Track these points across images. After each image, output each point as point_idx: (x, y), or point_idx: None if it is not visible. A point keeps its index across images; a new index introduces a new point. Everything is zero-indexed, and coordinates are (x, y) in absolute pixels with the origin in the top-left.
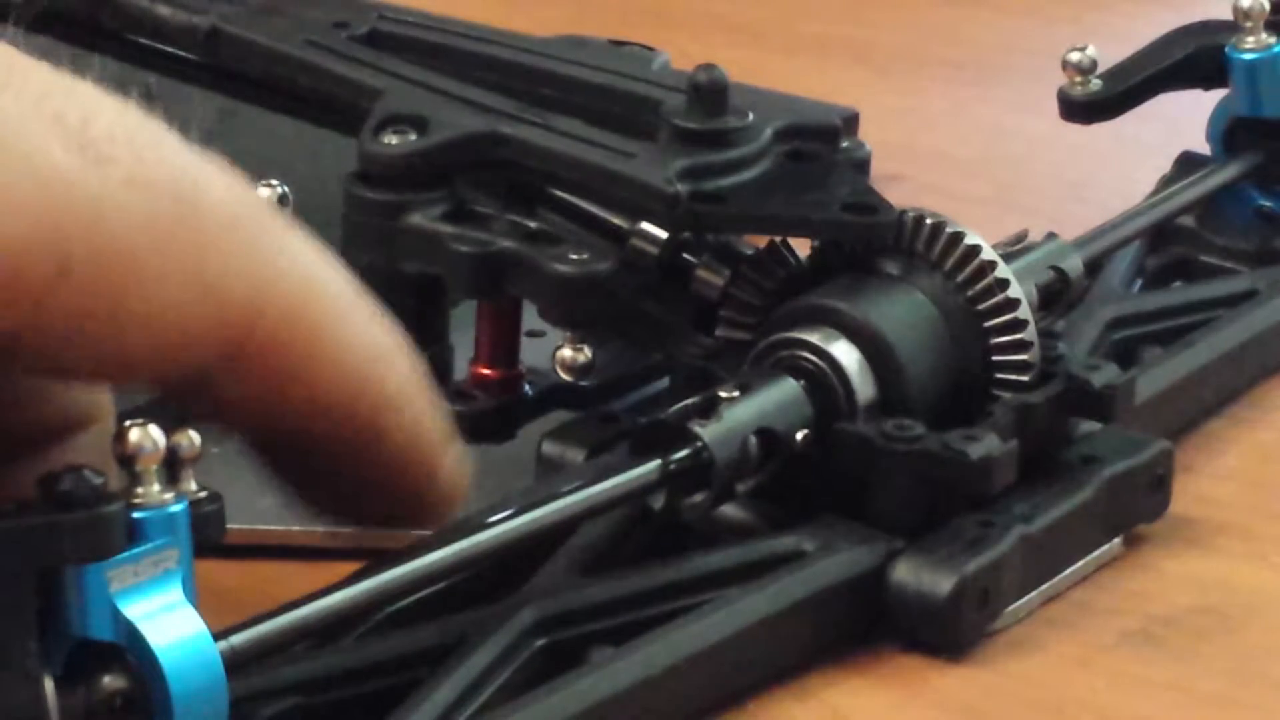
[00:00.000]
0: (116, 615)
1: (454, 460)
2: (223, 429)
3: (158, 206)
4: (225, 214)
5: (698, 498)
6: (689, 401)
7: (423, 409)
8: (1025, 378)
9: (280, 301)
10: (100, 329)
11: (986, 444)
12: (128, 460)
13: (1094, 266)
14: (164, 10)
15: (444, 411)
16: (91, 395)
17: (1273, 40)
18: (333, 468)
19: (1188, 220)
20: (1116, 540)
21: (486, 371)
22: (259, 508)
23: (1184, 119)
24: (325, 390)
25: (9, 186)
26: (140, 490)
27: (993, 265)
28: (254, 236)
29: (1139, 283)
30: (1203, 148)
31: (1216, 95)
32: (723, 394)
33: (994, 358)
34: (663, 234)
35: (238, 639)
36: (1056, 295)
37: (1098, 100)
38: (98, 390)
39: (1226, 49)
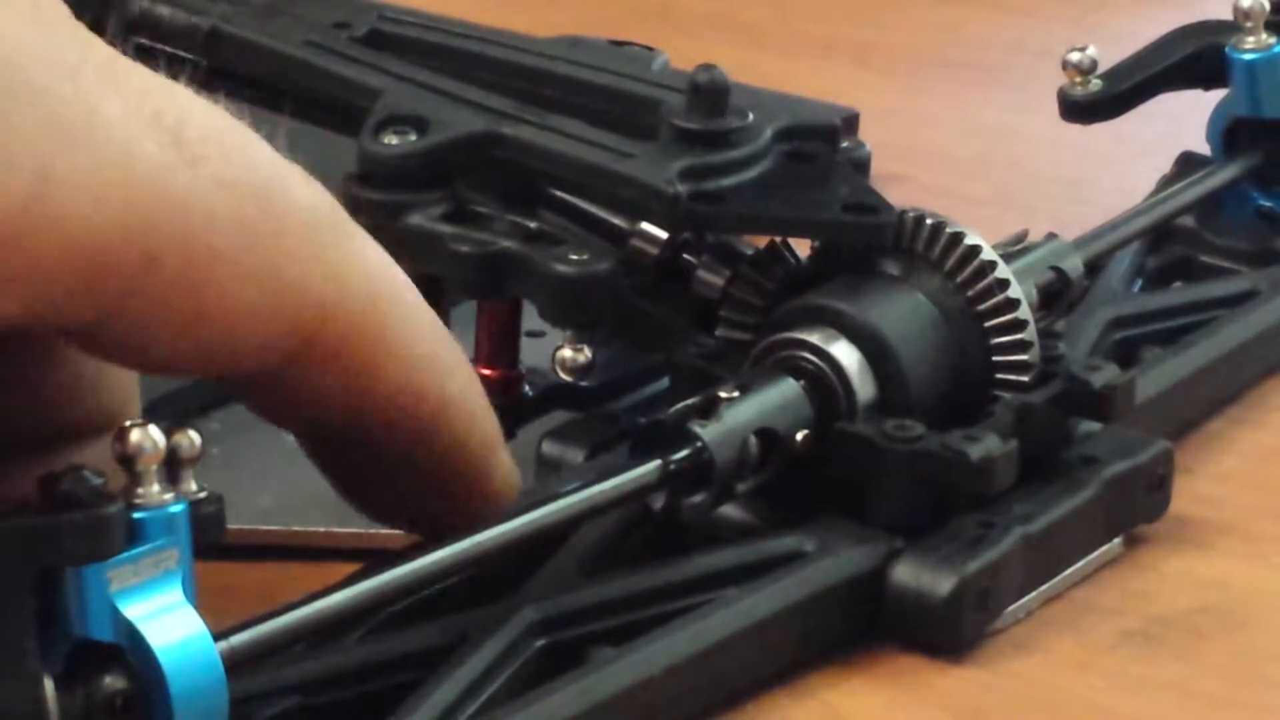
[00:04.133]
0: (116, 615)
1: (505, 465)
2: (281, 424)
3: (243, 208)
4: (305, 218)
5: (698, 498)
6: (689, 401)
7: (479, 413)
8: (1025, 378)
9: (351, 303)
10: (179, 323)
11: (986, 444)
12: (128, 460)
13: (1094, 266)
14: (164, 10)
15: (495, 418)
16: (117, 396)
17: (1273, 40)
18: (387, 468)
19: (1188, 220)
20: (1116, 540)
21: (486, 371)
22: (259, 508)
23: (1184, 119)
24: (389, 389)
25: (103, 174)
26: (140, 490)
27: (993, 265)
28: (330, 241)
29: (1139, 283)
30: (1203, 148)
31: (1216, 95)
32: (723, 394)
33: (994, 358)
34: (663, 234)
35: (238, 639)
36: (1056, 295)
37: (1098, 100)
38: (124, 391)
39: (1226, 49)
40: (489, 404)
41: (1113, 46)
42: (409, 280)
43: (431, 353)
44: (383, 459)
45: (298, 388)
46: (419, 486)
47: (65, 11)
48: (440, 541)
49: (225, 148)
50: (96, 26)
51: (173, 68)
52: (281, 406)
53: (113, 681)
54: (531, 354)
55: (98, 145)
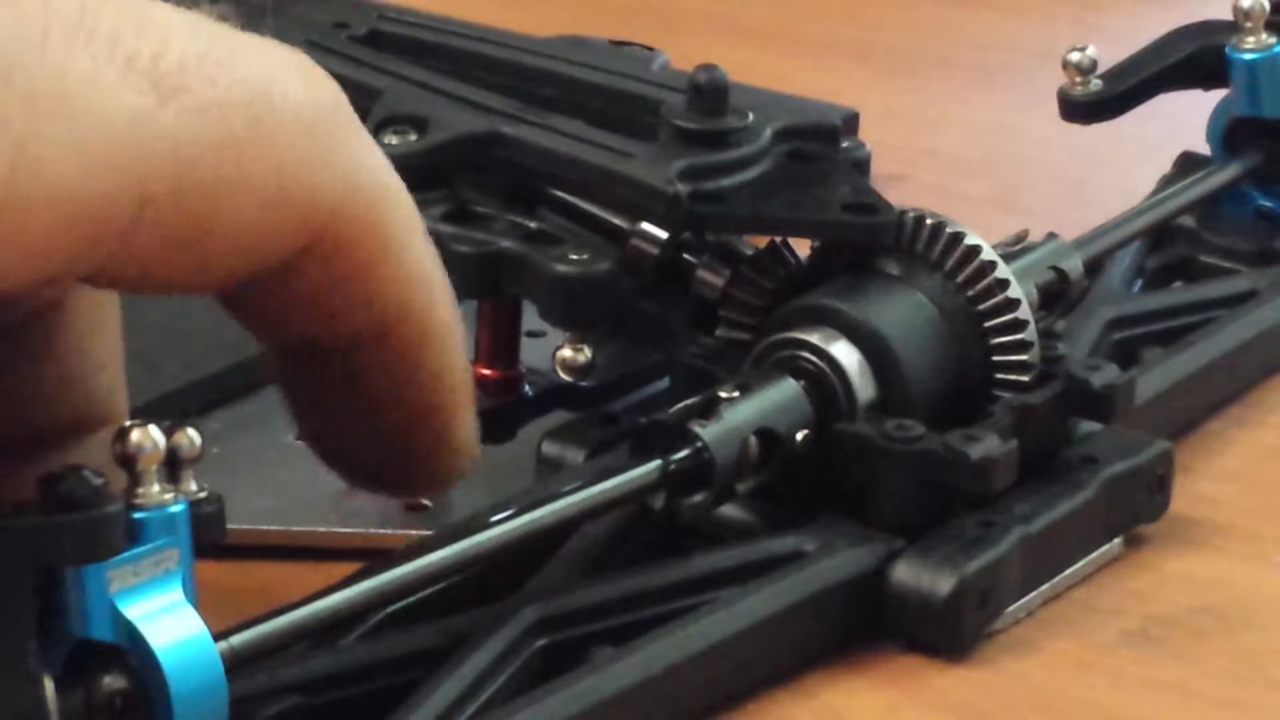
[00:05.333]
0: (116, 615)
1: (469, 426)
2: (267, 337)
3: (233, 126)
4: (303, 120)
5: (698, 498)
6: (689, 401)
7: (458, 355)
8: (1025, 378)
9: (356, 204)
10: (182, 248)
11: (986, 444)
12: (128, 460)
13: (1094, 266)
14: None
15: (470, 373)
16: (106, 395)
17: (1273, 40)
18: (358, 405)
19: (1188, 220)
20: (1116, 540)
21: (486, 371)
22: (259, 508)
23: (1184, 119)
24: (382, 297)
25: (82, 137)
26: (140, 491)
27: (993, 265)
28: (333, 140)
29: (1139, 283)
30: (1203, 148)
31: (1216, 95)
32: (723, 394)
33: (994, 358)
34: (663, 234)
35: (238, 639)
36: (1056, 295)
37: (1098, 100)
38: (112, 391)
39: (1226, 49)
40: (467, 359)
41: (1113, 46)
42: (405, 187)
43: (426, 270)
44: (356, 392)
45: (294, 291)
46: (386, 427)
47: None
48: (439, 542)
49: (207, 68)
50: None
51: None
52: (273, 316)
53: (113, 681)
54: (531, 354)
55: (72, 110)
